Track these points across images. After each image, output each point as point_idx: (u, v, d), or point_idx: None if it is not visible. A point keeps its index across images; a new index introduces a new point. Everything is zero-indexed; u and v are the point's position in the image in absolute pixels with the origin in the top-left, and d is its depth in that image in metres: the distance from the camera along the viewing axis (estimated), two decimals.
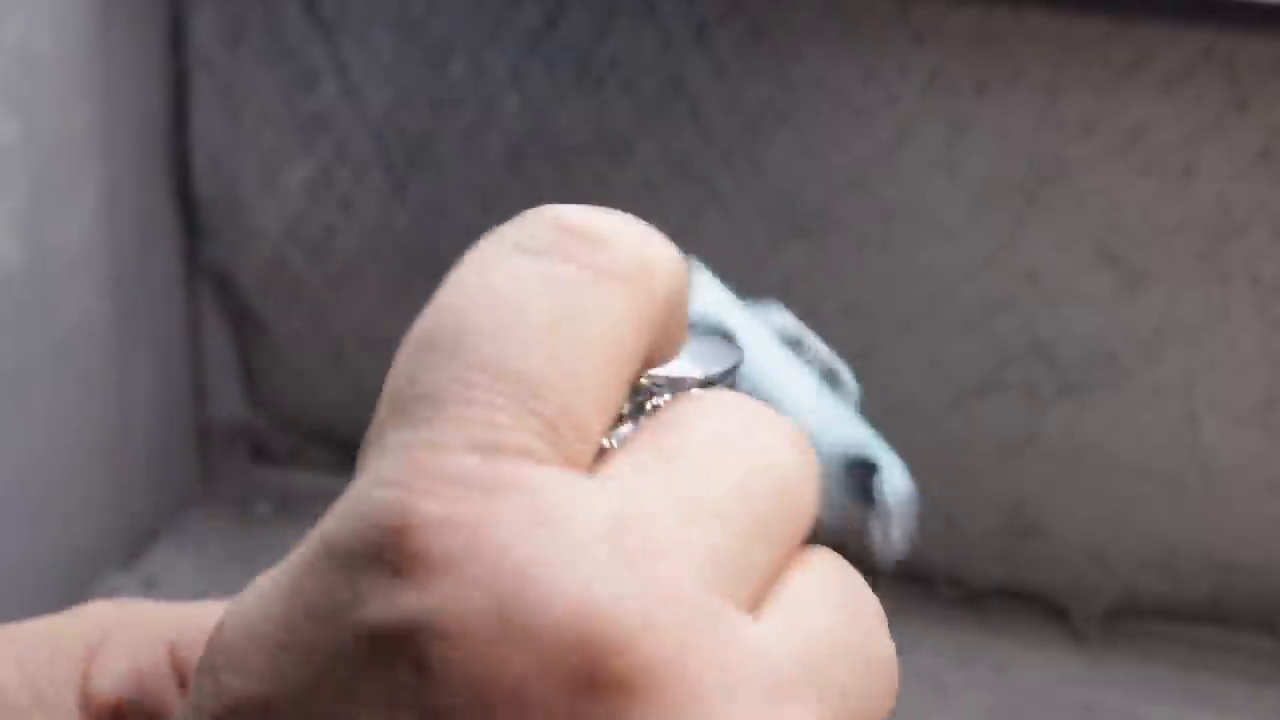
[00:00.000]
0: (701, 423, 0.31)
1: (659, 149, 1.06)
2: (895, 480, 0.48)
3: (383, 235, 1.12)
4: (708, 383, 0.37)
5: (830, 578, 0.31)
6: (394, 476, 0.28)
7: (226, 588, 1.21)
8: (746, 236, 1.06)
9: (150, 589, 1.09)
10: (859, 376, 1.23)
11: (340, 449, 1.19)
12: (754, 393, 0.44)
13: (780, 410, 0.42)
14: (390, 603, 0.27)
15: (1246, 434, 1.03)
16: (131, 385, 1.10)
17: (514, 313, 0.30)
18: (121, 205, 1.06)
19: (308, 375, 1.16)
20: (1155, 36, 0.98)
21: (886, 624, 0.32)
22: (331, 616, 0.27)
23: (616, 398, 0.31)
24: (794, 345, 0.52)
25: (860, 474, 0.47)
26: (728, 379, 0.38)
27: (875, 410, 1.21)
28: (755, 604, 0.29)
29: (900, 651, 1.02)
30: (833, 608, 0.30)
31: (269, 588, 0.29)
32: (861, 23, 1.01)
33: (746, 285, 1.20)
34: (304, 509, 1.17)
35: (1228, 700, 1.05)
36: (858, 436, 0.48)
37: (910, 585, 1.11)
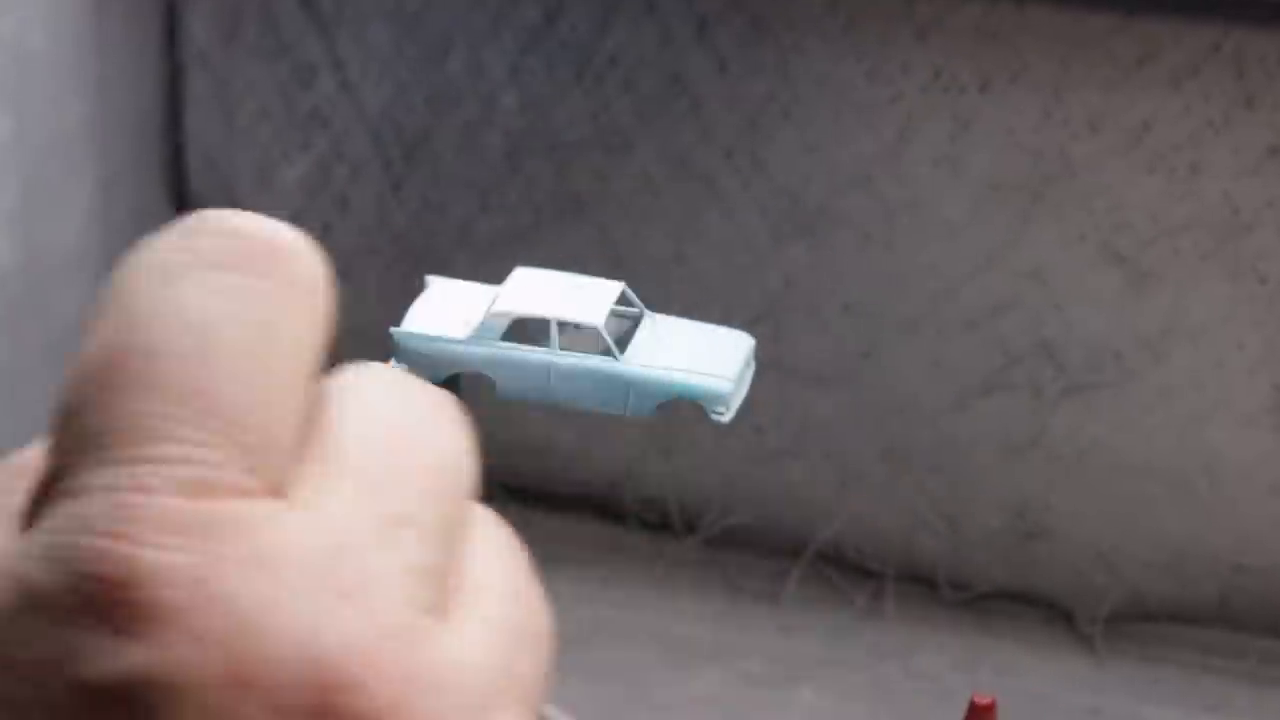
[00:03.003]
0: (375, 421, 0.31)
1: (659, 146, 1.06)
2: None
3: (380, 233, 1.11)
4: None
5: (499, 552, 0.31)
6: (103, 524, 0.27)
7: None
8: (748, 235, 1.06)
9: None
10: (862, 375, 1.22)
11: None
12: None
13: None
14: (113, 659, 0.26)
15: (1254, 435, 1.03)
16: None
17: (209, 335, 0.29)
18: (115, 203, 1.05)
19: None
20: (1162, 32, 0.97)
21: (537, 578, 0.32)
22: (42, 672, 0.26)
23: (305, 411, 0.30)
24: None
25: None
26: None
27: (878, 410, 1.21)
28: (449, 604, 0.29)
29: (903, 654, 1.01)
30: (510, 595, 0.31)
31: None
32: (864, 19, 1.01)
33: (748, 283, 1.19)
34: None
35: (1234, 704, 1.04)
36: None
37: (913, 587, 1.10)
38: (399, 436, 0.31)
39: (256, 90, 1.10)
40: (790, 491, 1.11)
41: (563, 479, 1.14)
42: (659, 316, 0.61)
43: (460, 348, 0.58)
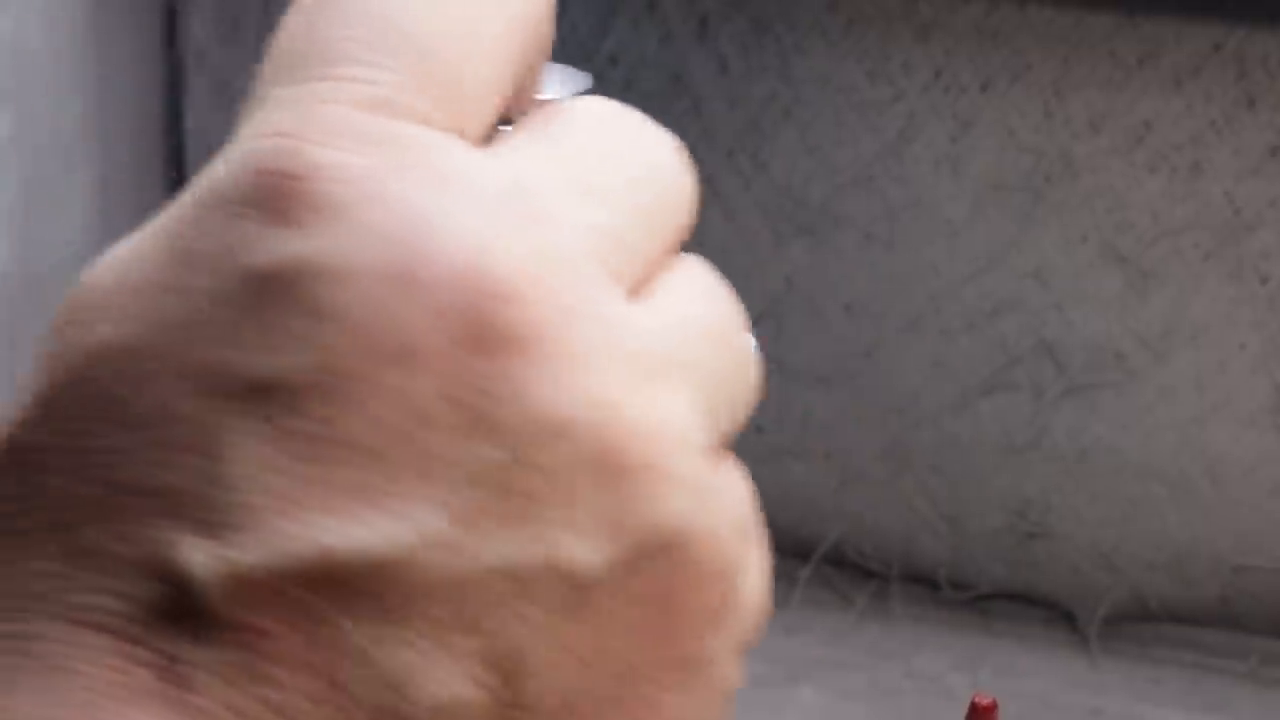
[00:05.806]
0: (589, 119, 0.31)
1: None
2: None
3: None
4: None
5: (702, 278, 0.32)
6: (283, 128, 0.27)
7: None
8: (749, 235, 1.06)
9: None
10: (862, 375, 1.22)
11: None
12: None
13: None
14: (279, 246, 0.26)
15: (1255, 435, 1.03)
16: None
17: None
18: (115, 202, 1.05)
19: None
20: (1163, 32, 0.97)
21: (748, 326, 0.32)
22: (216, 261, 0.27)
23: (508, 78, 0.30)
24: None
25: None
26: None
27: (879, 410, 1.21)
28: (635, 289, 0.29)
29: (904, 655, 1.01)
30: (706, 302, 0.31)
31: (143, 241, 0.28)
32: (866, 18, 1.01)
33: (749, 284, 1.19)
34: None
35: (1236, 705, 1.04)
36: None
37: (914, 587, 1.10)
38: (615, 133, 0.31)
39: None
40: (790, 491, 1.11)
41: None
42: None
43: None
